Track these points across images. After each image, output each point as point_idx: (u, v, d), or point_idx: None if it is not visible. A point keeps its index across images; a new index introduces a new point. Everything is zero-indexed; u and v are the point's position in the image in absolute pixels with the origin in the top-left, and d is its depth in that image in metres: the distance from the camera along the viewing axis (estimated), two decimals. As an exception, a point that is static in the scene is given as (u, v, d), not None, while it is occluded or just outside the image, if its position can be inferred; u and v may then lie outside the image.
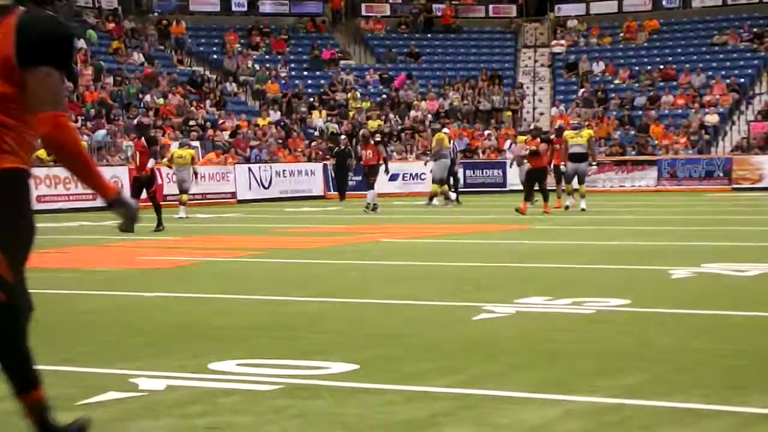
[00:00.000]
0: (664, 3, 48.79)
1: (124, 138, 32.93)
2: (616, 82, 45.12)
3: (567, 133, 25.27)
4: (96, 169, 4.30)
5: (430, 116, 43.50)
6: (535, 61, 48.56)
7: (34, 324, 8.60)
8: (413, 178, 36.69)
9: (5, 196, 4.13)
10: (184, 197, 23.86)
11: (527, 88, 46.92)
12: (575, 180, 24.33)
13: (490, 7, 51.80)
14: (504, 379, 6.08)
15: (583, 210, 23.31)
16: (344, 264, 13.27)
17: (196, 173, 24.75)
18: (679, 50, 46.54)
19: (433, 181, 27.33)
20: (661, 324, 8.05)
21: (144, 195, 19.79)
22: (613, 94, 44.00)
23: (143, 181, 20.22)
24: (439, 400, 5.56)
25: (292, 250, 15.51)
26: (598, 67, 46.08)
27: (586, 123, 36.27)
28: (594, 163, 25.63)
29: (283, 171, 35.06)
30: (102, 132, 33.00)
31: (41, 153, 29.14)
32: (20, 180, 4.19)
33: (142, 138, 20.57)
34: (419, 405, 5.44)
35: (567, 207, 24.32)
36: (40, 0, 4.28)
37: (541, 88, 47.04)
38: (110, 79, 38.15)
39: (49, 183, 28.60)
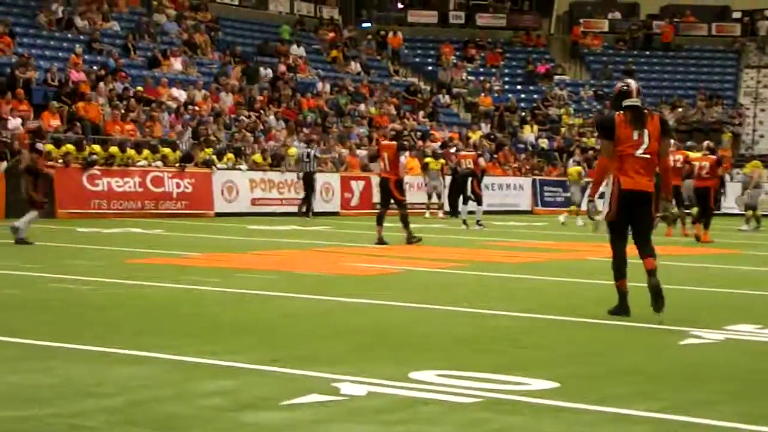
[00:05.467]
0: None
1: (336, 145, 33.59)
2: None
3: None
4: (670, 181, 9.95)
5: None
6: (758, 82, 47.08)
7: (245, 323, 8.87)
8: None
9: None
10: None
11: (747, 109, 45.56)
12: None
13: (713, 25, 50.56)
14: (710, 407, 5.90)
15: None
16: (548, 281, 13.16)
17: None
18: None
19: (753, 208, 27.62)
20: None
21: None
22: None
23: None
24: (641, 424, 5.44)
25: (496, 263, 15.47)
26: (824, 90, 44.41)
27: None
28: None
29: (492, 184, 35.02)
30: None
31: (256, 157, 30.03)
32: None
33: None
34: (620, 427, 5.35)
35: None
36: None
37: (762, 110, 45.56)
38: (327, 87, 38.98)
39: (264, 187, 29.36)
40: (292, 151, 31.08)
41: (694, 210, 23.82)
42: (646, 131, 9.34)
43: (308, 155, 28.90)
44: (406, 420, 5.39)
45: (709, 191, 21.88)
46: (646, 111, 9.53)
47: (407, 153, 19.56)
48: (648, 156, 9.34)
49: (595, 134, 42.59)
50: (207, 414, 5.46)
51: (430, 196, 31.36)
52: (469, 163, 25.80)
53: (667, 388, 6.41)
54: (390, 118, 38.70)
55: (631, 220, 9.48)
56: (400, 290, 11.54)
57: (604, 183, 9.65)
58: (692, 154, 24.20)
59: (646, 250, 9.43)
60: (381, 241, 18.49)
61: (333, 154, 33.01)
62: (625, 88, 9.58)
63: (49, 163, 19.54)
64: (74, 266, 13.36)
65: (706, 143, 24.09)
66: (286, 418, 5.39)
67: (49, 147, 25.64)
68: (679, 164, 22.55)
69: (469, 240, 20.92)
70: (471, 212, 25.33)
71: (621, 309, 9.52)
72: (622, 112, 9.42)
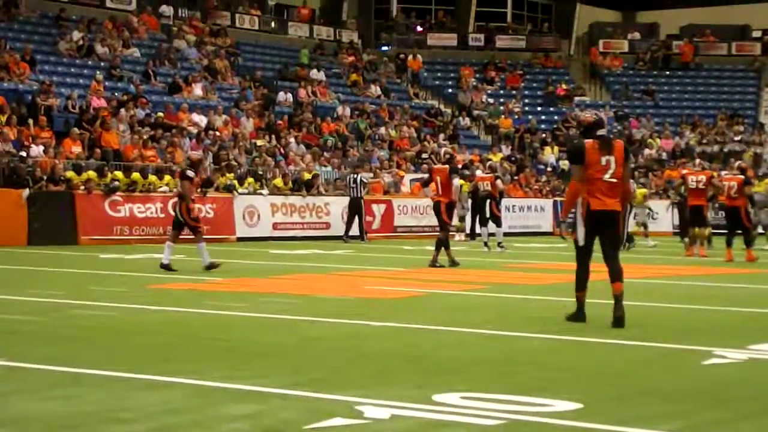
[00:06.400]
0: None
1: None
2: None
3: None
4: (626, 203, 10.79)
5: (664, 155, 42.70)
6: (779, 101, 47.04)
7: (267, 347, 8.89)
8: (650, 217, 35.70)
9: (625, 217, 12.40)
10: None
11: (769, 128, 45.50)
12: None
13: (733, 44, 50.49)
14: (730, 427, 5.89)
15: None
16: (570, 302, 13.12)
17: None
18: None
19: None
20: None
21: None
22: None
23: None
24: (665, 445, 5.43)
25: (518, 285, 15.45)
26: None
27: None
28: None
29: (513, 206, 34.99)
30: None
31: (277, 181, 30.11)
32: (622, 214, 10.52)
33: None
34: (643, 449, 5.33)
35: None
36: (587, 132, 10.47)
37: (783, 129, 45.47)
38: (347, 111, 39.08)
39: (285, 211, 29.40)
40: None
41: (702, 230, 23.71)
42: (613, 158, 10.26)
43: (355, 180, 29.18)
44: (430, 442, 5.39)
45: (738, 210, 21.99)
46: (612, 139, 10.66)
47: (459, 176, 20.11)
48: (615, 180, 10.27)
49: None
50: (230, 438, 5.48)
51: (462, 219, 31.31)
52: (487, 186, 25.81)
53: (688, 408, 6.40)
54: (410, 141, 38.77)
55: (600, 238, 10.38)
56: (422, 313, 11.54)
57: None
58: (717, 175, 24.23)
59: (615, 268, 10.35)
60: (453, 263, 18.84)
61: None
62: (597, 118, 10.52)
63: (197, 192, 19.81)
64: (97, 292, 13.42)
65: (737, 163, 24.21)
66: (309, 441, 5.40)
67: (71, 174, 25.82)
68: (701, 185, 22.57)
69: (490, 262, 20.90)
70: (491, 234, 25.31)
71: (578, 316, 10.60)
72: (592, 140, 10.31)
